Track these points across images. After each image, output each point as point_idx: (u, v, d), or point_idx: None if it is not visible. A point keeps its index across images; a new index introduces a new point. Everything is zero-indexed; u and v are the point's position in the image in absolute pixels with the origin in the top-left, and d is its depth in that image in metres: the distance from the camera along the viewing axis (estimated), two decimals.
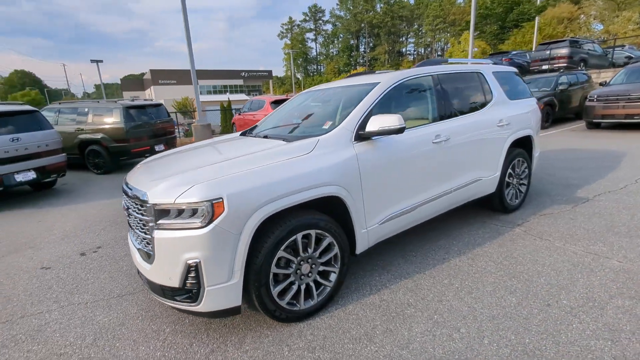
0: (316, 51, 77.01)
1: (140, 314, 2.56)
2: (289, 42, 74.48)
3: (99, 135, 8.02)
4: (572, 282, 2.52)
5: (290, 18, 73.86)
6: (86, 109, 8.26)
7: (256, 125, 3.68)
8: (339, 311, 2.41)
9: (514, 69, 4.25)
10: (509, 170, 3.75)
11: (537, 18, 26.88)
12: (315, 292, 2.34)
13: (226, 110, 18.00)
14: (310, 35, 74.95)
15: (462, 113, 3.28)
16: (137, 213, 2.15)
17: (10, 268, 3.48)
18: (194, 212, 1.92)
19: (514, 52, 17.12)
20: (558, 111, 10.70)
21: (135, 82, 61.97)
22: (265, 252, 2.06)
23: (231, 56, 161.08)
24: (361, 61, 70.90)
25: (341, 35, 71.19)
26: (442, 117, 3.09)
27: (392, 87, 2.83)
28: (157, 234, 1.98)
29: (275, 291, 2.16)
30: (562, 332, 2.05)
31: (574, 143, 7.88)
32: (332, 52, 74.43)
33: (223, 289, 1.98)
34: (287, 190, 2.08)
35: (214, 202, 1.90)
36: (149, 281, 2.16)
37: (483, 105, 3.50)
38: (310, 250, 2.28)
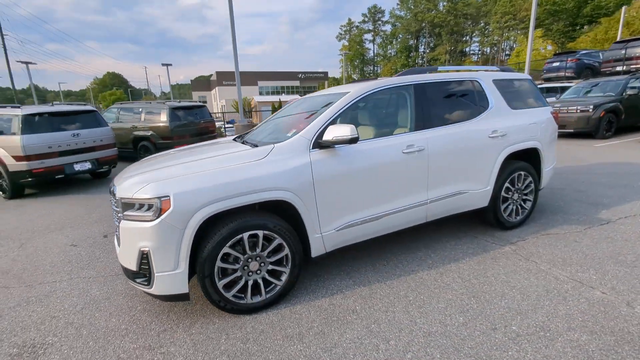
0: (373, 52, 76.25)
1: (124, 291, 2.95)
2: (346, 43, 74.77)
3: (148, 133, 9.03)
4: (534, 309, 2.35)
5: (349, 19, 74.24)
6: (140, 109, 9.33)
7: (254, 128, 3.93)
8: (287, 309, 2.55)
9: (527, 77, 3.95)
10: (507, 185, 3.52)
11: (623, 8, 23.50)
12: (263, 289, 2.51)
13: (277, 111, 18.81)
14: (369, 36, 74.44)
15: (447, 123, 3.18)
16: (112, 204, 2.52)
17: (49, 243, 4.19)
18: (148, 207, 2.22)
19: (583, 52, 15.29)
20: (625, 119, 9.43)
21: (203, 83, 67.16)
22: (210, 247, 2.28)
23: (292, 58, 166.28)
24: (420, 62, 68.60)
25: (400, 36, 69.55)
26: (419, 127, 3.04)
27: (361, 97, 2.87)
28: (122, 224, 2.31)
29: (220, 283, 2.37)
30: (493, 358, 1.96)
31: (633, 157, 6.92)
32: (390, 53, 73.07)
33: (170, 276, 2.25)
34: (231, 193, 2.28)
35: (162, 199, 2.17)
36: (120, 263, 2.51)
37: (475, 114, 3.34)
38: (258, 249, 2.45)
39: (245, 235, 2.37)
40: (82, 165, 6.85)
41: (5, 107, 6.62)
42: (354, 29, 74.30)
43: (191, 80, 70.75)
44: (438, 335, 2.16)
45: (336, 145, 2.65)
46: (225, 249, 2.33)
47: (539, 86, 12.92)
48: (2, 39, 33.02)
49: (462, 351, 2.02)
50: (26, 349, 2.28)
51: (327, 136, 2.55)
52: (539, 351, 1.98)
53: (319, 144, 2.61)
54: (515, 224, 3.69)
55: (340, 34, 76.22)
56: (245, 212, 2.43)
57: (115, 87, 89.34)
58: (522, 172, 3.59)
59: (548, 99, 11.72)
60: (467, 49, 67.09)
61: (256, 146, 2.75)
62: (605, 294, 2.46)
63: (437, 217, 3.25)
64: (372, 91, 2.93)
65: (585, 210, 4.11)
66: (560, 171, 6.10)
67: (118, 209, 2.37)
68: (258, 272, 2.49)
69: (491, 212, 3.52)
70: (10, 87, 33.49)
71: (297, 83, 57.84)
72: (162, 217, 2.16)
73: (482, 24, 62.31)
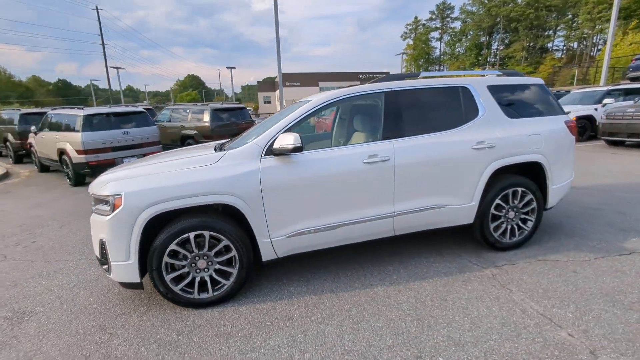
0: (440, 51, 72.52)
1: None
2: (411, 42, 72.28)
3: (193, 132, 9.86)
4: (475, 342, 2.13)
5: (416, 17, 71.36)
6: (187, 110, 10.23)
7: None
8: (231, 309, 2.66)
9: (536, 81, 3.50)
10: (498, 201, 3.18)
11: None
12: (210, 287, 2.66)
13: None
14: (436, 34, 70.96)
15: (422, 132, 2.99)
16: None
17: (81, 227, 4.86)
18: (106, 203, 2.50)
19: None
20: None
21: (269, 84, 70.52)
22: (158, 243, 2.49)
23: (357, 59, 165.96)
24: (492, 60, 63.43)
25: (470, 33, 65.00)
26: (387, 137, 2.91)
27: (321, 106, 2.86)
28: (92, 216, 2.64)
29: (168, 277, 2.57)
30: None
31: None
32: (458, 51, 68.78)
33: (123, 266, 2.51)
34: (177, 195, 2.46)
35: (115, 197, 2.44)
36: None
37: (458, 123, 3.08)
38: (205, 249, 2.60)
39: (192, 235, 2.54)
40: (130, 160, 7.77)
41: (73, 108, 7.82)
42: (420, 27, 71.43)
43: (258, 82, 74.78)
44: (356, 355, 2.09)
45: (292, 154, 2.69)
46: (172, 246, 2.52)
47: (621, 86, 11.17)
48: (103, 47, 38.59)
49: None
50: (18, 314, 2.74)
51: (276, 145, 2.60)
52: None
53: (272, 151, 2.67)
54: (510, 246, 3.31)
55: (406, 32, 73.88)
56: (206, 212, 2.60)
57: (192, 88, 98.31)
58: (520, 189, 3.21)
59: (624, 102, 10.10)
60: (550, 45, 60.19)
61: (221, 150, 2.90)
62: (571, 337, 2.12)
63: (409, 231, 3.08)
64: (333, 100, 2.90)
65: (610, 237, 3.52)
66: (608, 187, 5.26)
67: (92, 203, 2.71)
68: (206, 270, 2.65)
69: (478, 230, 3.22)
70: (109, 88, 39.03)
71: (357, 83, 57.40)
72: (115, 212, 2.43)
73: (569, 16, 55.37)
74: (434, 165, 2.96)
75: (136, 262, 2.51)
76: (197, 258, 2.61)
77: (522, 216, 3.32)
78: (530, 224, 3.34)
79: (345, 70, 64.93)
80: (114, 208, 2.44)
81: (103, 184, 2.57)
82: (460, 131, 3.06)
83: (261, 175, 2.61)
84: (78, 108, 7.69)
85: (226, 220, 2.63)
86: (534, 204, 3.29)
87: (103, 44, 38.49)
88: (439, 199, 3.02)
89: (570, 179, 3.54)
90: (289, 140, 2.51)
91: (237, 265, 2.67)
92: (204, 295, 2.66)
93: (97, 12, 37.62)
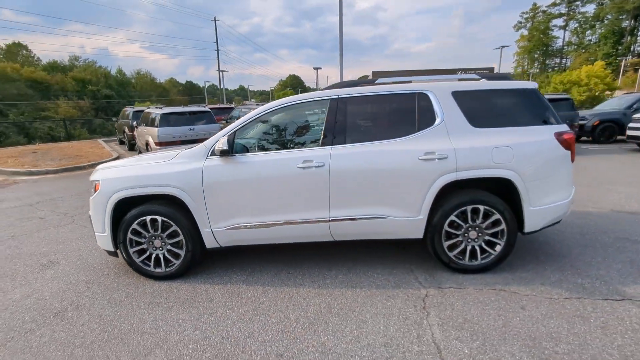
0: (563, 41, 61.86)
1: None
2: (526, 32, 63.49)
3: None
4: (342, 354, 2.12)
5: (534, 4, 62.13)
6: (251, 110, 11.31)
7: None
8: (176, 284, 3.11)
9: (525, 86, 3.00)
10: (452, 218, 2.91)
11: None
12: (163, 263, 3.17)
13: None
14: (559, 21, 60.78)
15: (366, 140, 2.94)
16: None
17: None
18: (93, 186, 3.22)
19: None
20: None
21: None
22: (124, 221, 3.10)
23: (461, 53, 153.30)
24: (638, 49, 51.41)
25: (608, 17, 53.66)
26: (327, 143, 2.95)
27: (263, 113, 3.08)
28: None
29: (132, 250, 3.15)
30: None
31: None
32: (588, 40, 57.59)
33: (101, 236, 3.19)
34: (134, 184, 3.02)
35: (96, 182, 3.13)
36: None
37: (408, 132, 2.91)
38: (158, 231, 3.11)
39: (148, 218, 3.07)
40: None
41: (157, 107, 9.50)
42: (540, 14, 62.07)
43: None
44: (231, 341, 2.30)
45: (237, 155, 3.00)
46: (134, 225, 3.10)
47: None
48: (217, 54, 44.38)
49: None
50: (49, 263, 3.71)
51: (216, 147, 2.94)
52: None
53: (214, 153, 3.02)
54: (472, 269, 2.98)
55: (520, 22, 65.16)
56: (171, 201, 3.10)
57: (292, 87, 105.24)
58: (482, 207, 2.87)
59: None
60: None
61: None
62: None
63: (349, 238, 3.08)
64: (278, 107, 3.08)
65: (615, 277, 2.85)
66: None
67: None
68: (160, 249, 3.16)
69: (430, 246, 3.00)
70: (220, 88, 44.80)
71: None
72: (95, 194, 3.12)
73: None
74: (373, 174, 2.89)
75: (109, 235, 3.16)
76: (153, 238, 3.14)
77: (488, 238, 2.95)
78: (498, 248, 2.95)
79: (445, 66, 60.97)
80: (95, 190, 3.13)
81: (94, 172, 3.30)
82: (408, 140, 2.90)
83: (203, 173, 2.98)
84: (158, 107, 9.33)
85: (176, 209, 3.09)
86: (503, 226, 2.89)
87: (217, 51, 44.33)
88: (379, 209, 2.93)
89: (564, 200, 2.97)
90: (220, 144, 2.83)
91: (184, 248, 3.12)
92: (159, 270, 3.19)
93: (215, 23, 43.55)
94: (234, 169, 2.98)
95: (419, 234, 2.98)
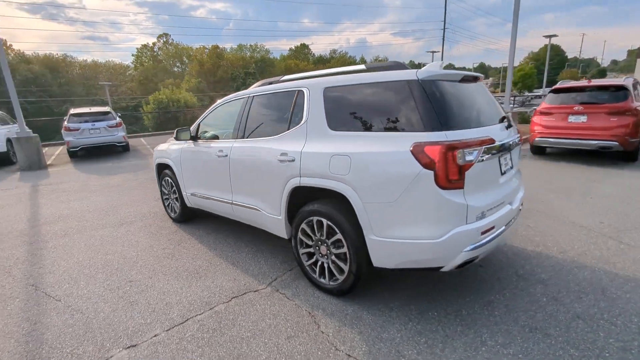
0: None
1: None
2: None
3: None
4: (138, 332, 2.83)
5: None
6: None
7: None
8: (165, 230, 4.55)
9: (409, 76, 2.15)
10: (303, 226, 2.71)
11: None
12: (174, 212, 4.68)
13: None
14: None
15: (257, 136, 3.16)
16: None
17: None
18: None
19: None
20: None
21: None
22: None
23: None
24: None
25: None
26: (238, 136, 3.35)
27: (219, 106, 3.80)
28: None
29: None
30: None
31: None
32: None
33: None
34: (158, 156, 4.61)
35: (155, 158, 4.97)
36: None
37: (282, 131, 2.87)
38: (168, 188, 4.61)
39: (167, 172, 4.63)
40: None
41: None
42: None
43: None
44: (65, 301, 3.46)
45: (198, 140, 4.01)
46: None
47: None
48: (444, 33, 42.94)
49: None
50: (126, 223, 6.05)
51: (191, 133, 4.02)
52: None
53: (193, 137, 4.10)
54: (330, 290, 2.65)
55: None
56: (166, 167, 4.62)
57: (545, 61, 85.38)
58: (325, 221, 2.52)
59: None
60: None
61: None
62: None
63: (245, 222, 3.46)
64: (221, 103, 3.73)
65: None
66: None
67: None
68: (168, 198, 4.68)
69: (294, 251, 2.93)
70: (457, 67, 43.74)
71: None
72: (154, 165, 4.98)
73: None
74: (251, 168, 3.13)
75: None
76: (171, 190, 4.69)
77: (333, 258, 2.56)
78: (343, 275, 2.50)
79: None
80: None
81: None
82: (278, 139, 2.89)
83: (181, 151, 4.16)
84: None
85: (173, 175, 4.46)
86: (344, 249, 2.43)
87: (444, 30, 42.88)
88: (256, 202, 3.14)
89: (428, 240, 2.08)
90: (192, 131, 3.91)
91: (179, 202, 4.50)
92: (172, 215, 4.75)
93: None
94: (192, 151, 3.98)
95: (285, 235, 2.96)
